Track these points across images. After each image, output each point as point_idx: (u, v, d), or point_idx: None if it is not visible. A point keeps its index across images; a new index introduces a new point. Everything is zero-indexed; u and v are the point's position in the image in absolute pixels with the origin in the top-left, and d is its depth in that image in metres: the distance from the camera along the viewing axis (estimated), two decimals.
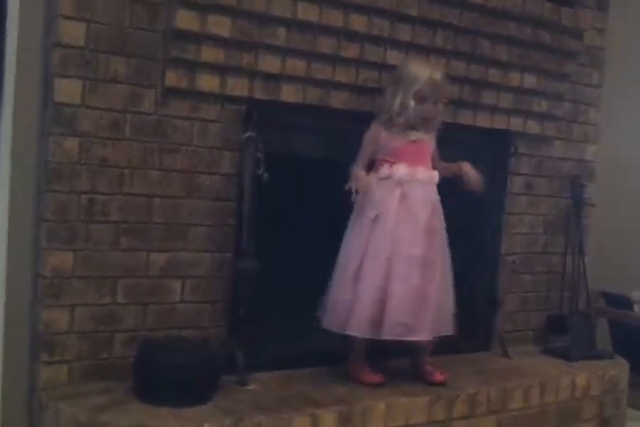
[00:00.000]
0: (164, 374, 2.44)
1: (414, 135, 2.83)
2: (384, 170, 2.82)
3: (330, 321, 2.81)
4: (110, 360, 2.62)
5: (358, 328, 2.75)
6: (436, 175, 2.87)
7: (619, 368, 3.43)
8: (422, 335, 2.78)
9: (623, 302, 3.89)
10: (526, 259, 3.61)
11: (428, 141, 2.89)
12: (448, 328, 2.87)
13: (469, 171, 2.92)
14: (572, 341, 3.52)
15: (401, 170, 2.79)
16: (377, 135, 2.84)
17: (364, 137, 2.85)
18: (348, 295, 2.77)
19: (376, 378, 2.83)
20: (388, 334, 2.74)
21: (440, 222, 2.86)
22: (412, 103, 2.78)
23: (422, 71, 2.81)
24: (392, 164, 2.81)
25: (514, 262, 3.56)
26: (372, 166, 2.85)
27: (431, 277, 2.79)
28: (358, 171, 2.78)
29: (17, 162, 2.51)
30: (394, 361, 3.02)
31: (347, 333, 2.77)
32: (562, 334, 3.59)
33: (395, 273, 2.74)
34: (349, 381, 2.84)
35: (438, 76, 2.82)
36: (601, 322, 3.95)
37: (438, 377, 2.90)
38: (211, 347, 2.61)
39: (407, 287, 2.74)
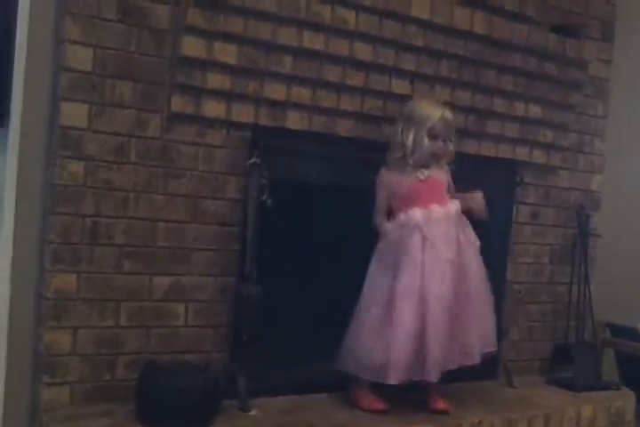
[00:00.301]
0: (166, 397, 2.44)
1: (423, 174, 2.85)
2: (401, 216, 2.83)
3: (364, 371, 2.78)
4: (113, 383, 2.61)
5: (399, 375, 2.71)
6: (453, 207, 2.85)
7: (625, 399, 3.40)
8: (454, 365, 2.78)
9: (629, 333, 3.85)
10: (532, 288, 3.60)
11: (439, 178, 2.89)
12: (490, 345, 2.91)
13: (477, 199, 2.94)
14: (578, 371, 3.49)
15: (417, 213, 2.79)
16: (388, 180, 2.86)
17: (376, 185, 2.87)
18: (380, 342, 2.73)
19: (379, 405, 2.82)
20: (429, 376, 2.72)
21: (470, 257, 2.85)
22: (427, 141, 2.81)
23: (435, 110, 2.84)
24: (407, 208, 2.82)
25: (520, 293, 3.55)
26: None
27: (465, 311, 2.79)
28: (383, 222, 2.84)
29: (23, 184, 2.53)
30: (397, 389, 2.99)
31: (389, 382, 2.72)
32: (567, 364, 3.56)
33: (428, 313, 2.72)
34: (352, 407, 2.83)
35: (450, 114, 2.86)
36: (608, 353, 3.92)
37: (441, 405, 2.88)
38: (213, 371, 2.60)
39: (441, 326, 2.72)
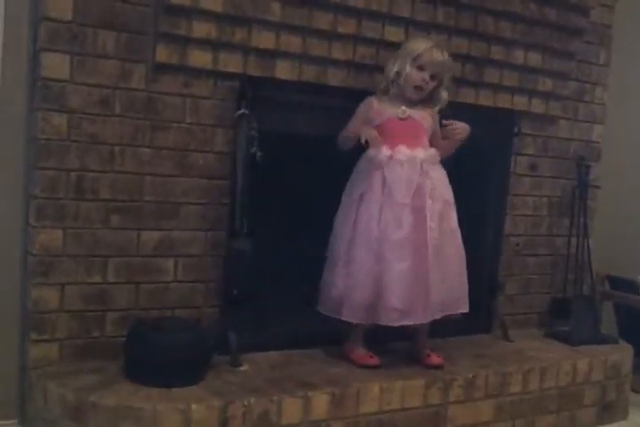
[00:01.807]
0: (155, 353, 2.42)
1: (404, 112, 2.79)
2: (370, 151, 2.76)
3: (324, 305, 2.79)
4: (102, 339, 2.60)
5: (353, 314, 2.73)
6: (421, 154, 2.77)
7: (622, 353, 3.38)
8: (419, 319, 2.73)
9: (629, 286, 3.82)
10: (530, 241, 3.56)
11: (421, 120, 2.82)
12: (460, 306, 2.83)
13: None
14: (575, 325, 3.47)
15: (382, 152, 2.74)
16: (369, 107, 2.81)
17: (358, 107, 2.81)
18: (341, 279, 2.74)
19: (372, 360, 2.80)
20: (383, 320, 2.70)
21: (427, 202, 2.74)
22: (408, 68, 2.75)
23: (424, 43, 2.79)
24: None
25: (517, 245, 3.51)
26: None
27: (424, 260, 2.71)
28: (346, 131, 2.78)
29: (5, 138, 2.48)
30: (391, 344, 2.98)
31: (342, 318, 2.74)
32: (565, 317, 3.53)
33: (385, 257, 2.69)
34: (345, 363, 2.81)
35: (440, 51, 2.78)
36: (606, 306, 3.89)
37: (435, 360, 2.86)
38: (203, 327, 2.59)
39: (399, 271, 2.68)
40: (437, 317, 2.77)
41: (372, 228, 2.71)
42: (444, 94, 2.86)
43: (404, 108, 2.79)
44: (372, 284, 2.70)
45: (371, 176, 2.74)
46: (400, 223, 2.70)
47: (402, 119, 2.79)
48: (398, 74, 2.77)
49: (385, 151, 2.73)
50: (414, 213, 2.72)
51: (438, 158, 2.82)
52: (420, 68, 2.76)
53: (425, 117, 2.83)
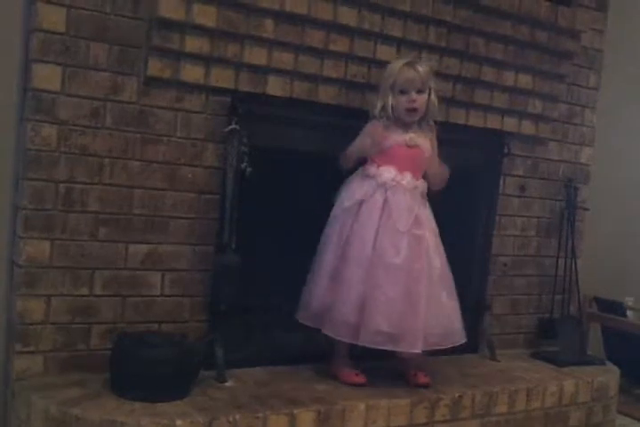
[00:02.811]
0: (140, 368, 2.41)
1: (412, 140, 2.79)
2: (372, 169, 2.78)
3: (306, 316, 2.77)
4: (87, 352, 2.58)
5: (334, 330, 2.71)
6: (422, 186, 2.81)
7: (609, 375, 3.37)
8: (405, 347, 2.71)
9: (616, 308, 3.83)
10: (518, 261, 3.56)
11: (424, 149, 2.82)
12: (457, 338, 2.83)
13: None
14: (562, 346, 3.48)
15: (389, 173, 2.75)
16: (376, 129, 2.79)
17: (362, 130, 2.81)
18: (327, 293, 2.72)
19: (358, 378, 2.78)
20: (365, 342, 2.68)
21: (425, 233, 2.77)
22: (391, 98, 2.76)
23: (396, 64, 2.78)
24: (381, 164, 2.78)
25: (505, 265, 3.52)
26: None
27: (418, 288, 2.71)
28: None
29: None
30: (377, 362, 2.96)
31: (323, 331, 2.73)
32: (552, 338, 3.54)
33: (376, 281, 2.68)
34: (331, 380, 2.80)
35: (412, 65, 2.77)
36: (593, 327, 3.89)
37: (422, 379, 2.85)
38: (189, 342, 2.57)
39: (389, 296, 2.67)
40: (431, 348, 2.77)
41: (366, 249, 2.70)
42: (434, 101, 2.84)
43: (412, 135, 2.79)
44: (359, 304, 2.68)
45: (371, 195, 2.74)
46: (398, 250, 2.70)
47: (409, 147, 2.79)
48: (384, 108, 2.77)
49: (393, 174, 2.75)
50: (412, 241, 2.72)
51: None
52: (403, 92, 2.76)
53: (426, 144, 2.83)
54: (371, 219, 2.72)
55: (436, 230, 2.83)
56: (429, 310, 2.73)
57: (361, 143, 2.81)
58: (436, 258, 2.80)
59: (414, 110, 2.78)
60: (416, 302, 2.70)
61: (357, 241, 2.71)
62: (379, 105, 2.77)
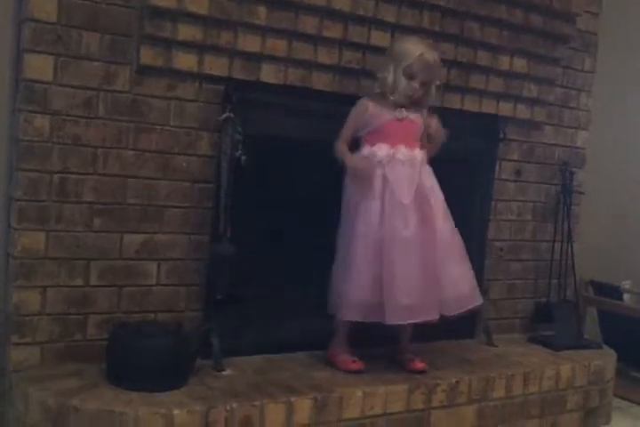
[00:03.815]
0: (137, 357, 2.41)
1: (401, 113, 2.79)
2: (365, 150, 2.78)
3: (330, 306, 2.79)
4: (83, 343, 2.58)
5: (351, 313, 2.72)
6: (419, 155, 2.80)
7: (605, 359, 3.38)
8: (428, 316, 2.72)
9: (612, 292, 3.84)
10: (514, 246, 3.57)
11: (416, 121, 2.82)
12: (472, 301, 2.86)
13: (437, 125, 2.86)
14: (559, 330, 3.49)
15: (382, 150, 2.75)
16: (364, 110, 2.78)
17: (352, 111, 2.79)
18: (342, 279, 2.73)
19: (355, 365, 2.79)
20: (391, 319, 2.69)
21: (431, 200, 2.78)
22: (404, 80, 2.74)
23: (414, 48, 2.75)
24: (373, 143, 2.77)
25: (502, 250, 3.52)
26: (353, 145, 2.81)
27: (430, 258, 2.73)
28: (345, 150, 2.76)
29: None
30: (374, 348, 2.97)
31: (344, 319, 2.74)
32: (549, 322, 3.55)
33: (392, 257, 2.69)
34: (328, 367, 2.80)
35: (431, 55, 2.76)
36: (590, 311, 3.90)
37: (418, 365, 2.85)
38: (185, 331, 2.57)
39: (405, 270, 2.68)
40: (451, 313, 2.79)
41: (373, 227, 2.70)
42: (433, 93, 2.85)
43: (402, 110, 2.79)
44: (373, 283, 2.69)
45: (370, 175, 2.73)
46: (407, 223, 2.71)
47: (400, 120, 2.79)
48: (394, 85, 2.75)
49: (386, 150, 2.74)
50: (418, 212, 2.73)
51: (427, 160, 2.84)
52: (411, 77, 2.74)
53: (418, 119, 2.84)
54: (374, 198, 2.72)
55: (441, 196, 2.83)
56: (440, 278, 2.76)
57: (351, 126, 2.79)
58: (444, 224, 2.81)
59: (411, 97, 2.78)
60: (430, 272, 2.73)
61: (363, 222, 2.72)
62: (389, 79, 2.75)
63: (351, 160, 2.74)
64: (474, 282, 2.90)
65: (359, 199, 2.75)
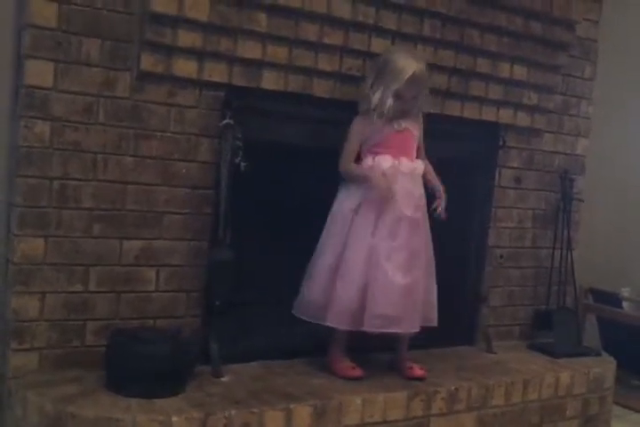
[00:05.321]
0: (135, 364, 2.40)
1: (399, 125, 2.80)
2: (367, 161, 2.78)
3: (307, 310, 2.78)
4: (82, 349, 2.57)
5: (337, 320, 2.72)
6: (420, 166, 2.83)
7: (605, 366, 3.38)
8: (406, 328, 2.74)
9: (612, 299, 3.84)
10: (514, 253, 3.56)
11: (413, 130, 2.84)
12: (432, 320, 2.85)
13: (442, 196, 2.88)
14: (558, 337, 3.48)
15: (385, 162, 2.76)
16: (363, 127, 2.80)
17: (349, 131, 2.80)
18: (327, 285, 2.73)
19: (354, 372, 2.79)
20: (368, 326, 2.70)
21: (423, 215, 2.82)
22: (390, 101, 2.75)
23: (407, 67, 2.73)
24: (375, 155, 2.78)
25: (501, 257, 3.51)
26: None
27: (415, 270, 2.76)
28: (361, 170, 2.77)
29: None
30: (374, 355, 2.97)
31: (325, 324, 2.73)
32: (548, 329, 3.54)
33: (376, 265, 2.70)
34: (327, 374, 2.80)
35: (420, 71, 2.76)
36: (590, 318, 3.90)
37: (417, 372, 2.85)
38: (184, 337, 2.57)
39: (389, 280, 2.70)
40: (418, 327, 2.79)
41: (366, 237, 2.72)
42: (422, 101, 2.86)
43: (399, 121, 2.80)
44: (360, 290, 2.70)
45: (370, 187, 2.73)
46: (396, 234, 2.73)
47: (399, 131, 2.80)
48: (381, 102, 2.75)
49: (390, 162, 2.75)
50: (411, 223, 2.75)
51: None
52: (402, 96, 2.76)
53: (414, 125, 2.85)
54: (370, 209, 2.73)
55: (425, 210, 2.84)
56: (426, 290, 2.81)
57: (353, 144, 2.80)
58: (428, 239, 2.85)
59: (405, 112, 2.81)
60: (414, 285, 2.74)
61: (358, 231, 2.73)
62: (375, 99, 2.76)
63: (378, 181, 2.72)
64: (435, 301, 2.89)
65: (355, 209, 2.75)
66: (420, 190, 2.82)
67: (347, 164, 2.79)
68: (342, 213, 2.78)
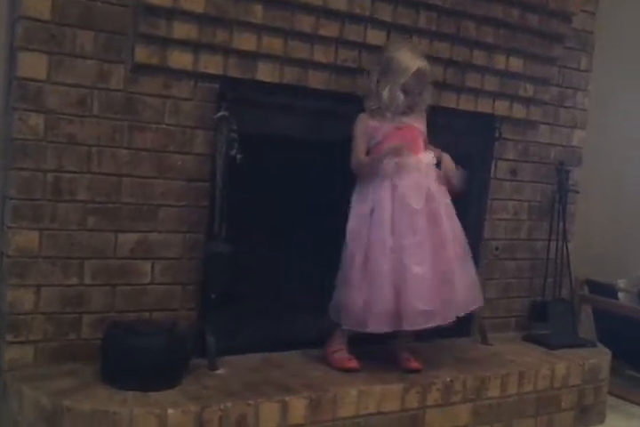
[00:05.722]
0: (131, 357, 2.40)
1: (400, 121, 2.81)
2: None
3: (348, 320, 2.77)
4: (78, 342, 2.57)
5: (379, 324, 2.71)
6: (426, 157, 2.83)
7: (600, 357, 3.39)
8: (442, 320, 2.75)
9: (607, 290, 3.84)
10: (510, 245, 3.57)
11: (416, 124, 2.85)
12: (479, 301, 2.91)
13: (448, 161, 2.88)
14: (554, 329, 3.49)
15: (389, 164, 2.75)
16: (366, 124, 2.81)
17: (354, 130, 2.81)
18: (361, 292, 2.72)
19: (350, 364, 2.79)
20: (407, 325, 2.72)
21: (441, 205, 2.81)
22: (401, 95, 2.77)
23: (412, 63, 2.77)
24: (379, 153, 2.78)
25: (497, 249, 3.51)
26: None
27: (443, 261, 2.76)
28: (368, 157, 2.78)
29: None
30: (369, 346, 2.96)
31: (368, 331, 2.73)
32: (544, 321, 3.55)
33: (404, 264, 2.70)
34: (323, 365, 2.80)
35: (424, 66, 2.79)
36: (586, 310, 3.90)
37: (413, 364, 2.86)
38: (180, 330, 2.56)
39: (416, 276, 2.70)
40: (460, 314, 2.82)
41: (385, 238, 2.71)
42: (427, 98, 2.89)
43: (400, 118, 2.81)
44: (393, 292, 2.70)
45: (379, 187, 2.75)
46: (415, 229, 2.72)
47: (400, 128, 2.81)
48: (391, 98, 2.78)
49: (391, 160, 2.75)
50: (427, 216, 2.75)
51: (435, 160, 2.86)
52: (409, 91, 2.78)
53: (418, 120, 2.87)
54: (384, 208, 2.73)
55: (448, 200, 2.85)
56: (458, 278, 2.81)
57: (361, 143, 2.81)
58: (451, 225, 2.83)
59: (413, 107, 2.83)
60: (444, 275, 2.75)
61: (376, 233, 2.73)
62: (385, 97, 2.78)
63: (387, 149, 2.75)
64: (478, 282, 2.92)
65: (369, 212, 2.75)
66: (430, 181, 2.80)
67: (357, 159, 2.80)
68: (358, 216, 2.78)
